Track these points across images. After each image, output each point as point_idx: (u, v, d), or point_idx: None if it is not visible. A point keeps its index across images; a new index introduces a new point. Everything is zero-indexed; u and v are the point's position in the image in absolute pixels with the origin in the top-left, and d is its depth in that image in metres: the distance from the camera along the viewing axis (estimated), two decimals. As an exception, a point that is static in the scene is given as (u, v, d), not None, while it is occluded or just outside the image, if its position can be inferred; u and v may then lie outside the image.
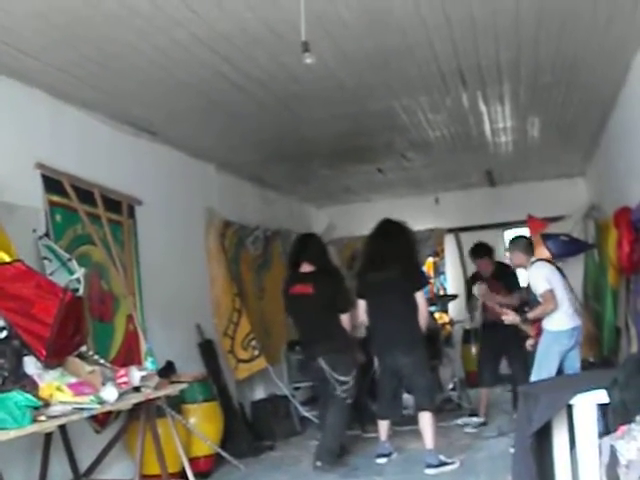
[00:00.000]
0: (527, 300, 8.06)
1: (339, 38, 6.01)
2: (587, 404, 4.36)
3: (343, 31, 5.88)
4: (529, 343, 7.82)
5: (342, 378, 7.69)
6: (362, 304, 7.89)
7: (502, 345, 9.15)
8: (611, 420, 4.07)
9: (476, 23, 5.97)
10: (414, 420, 7.85)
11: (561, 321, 7.24)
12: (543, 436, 4.87)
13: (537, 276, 7.34)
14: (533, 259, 7.52)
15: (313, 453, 7.93)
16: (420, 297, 7.69)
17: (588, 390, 4.39)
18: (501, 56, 6.78)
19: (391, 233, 7.85)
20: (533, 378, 7.18)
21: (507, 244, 8.75)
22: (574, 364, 7.31)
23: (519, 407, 5.27)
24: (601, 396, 4.28)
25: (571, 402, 4.44)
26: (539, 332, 7.49)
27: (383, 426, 7.92)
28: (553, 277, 7.33)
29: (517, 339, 8.88)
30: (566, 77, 7.50)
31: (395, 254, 7.69)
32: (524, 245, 7.68)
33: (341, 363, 7.72)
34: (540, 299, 7.32)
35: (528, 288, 7.75)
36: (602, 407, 4.42)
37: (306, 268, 7.93)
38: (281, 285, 8.44)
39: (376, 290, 7.72)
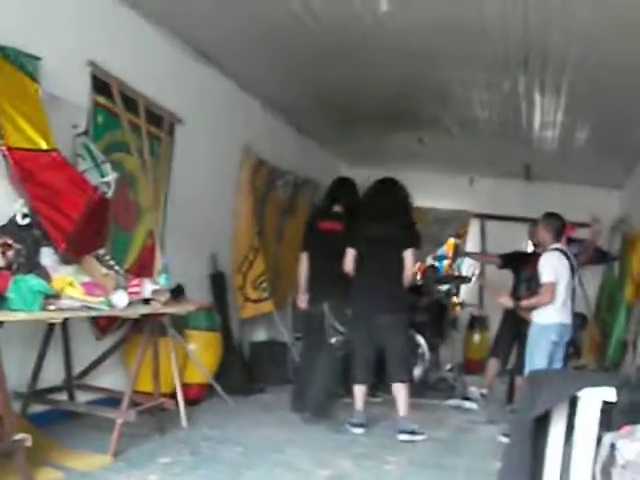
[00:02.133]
0: None
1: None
2: (593, 398, 4.32)
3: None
4: None
5: (340, 327, 7.65)
6: (351, 253, 7.56)
7: (523, 328, 8.91)
8: (616, 419, 4.03)
9: (552, 7, 5.88)
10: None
11: (549, 315, 7.16)
12: (538, 427, 4.83)
13: (547, 264, 7.21)
14: (553, 246, 7.39)
15: (290, 402, 8.04)
16: (409, 255, 7.44)
17: (597, 386, 4.34)
18: (570, 49, 6.72)
19: (391, 189, 7.66)
20: (527, 369, 7.13)
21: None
22: (558, 360, 7.26)
23: (524, 391, 5.23)
24: (609, 393, 4.23)
25: (578, 394, 4.40)
26: None
27: (359, 392, 7.55)
28: (561, 270, 7.20)
29: None
30: (629, 81, 7.40)
31: (393, 209, 7.52)
32: (556, 227, 7.48)
33: (342, 312, 7.65)
34: (540, 288, 7.26)
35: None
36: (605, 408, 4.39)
37: (337, 208, 7.95)
38: (300, 234, 8.40)
39: (369, 242, 7.47)
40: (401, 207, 7.64)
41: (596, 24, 6.05)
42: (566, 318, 7.27)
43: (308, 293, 8.09)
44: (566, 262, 7.26)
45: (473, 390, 9.26)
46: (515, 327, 8.86)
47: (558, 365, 7.21)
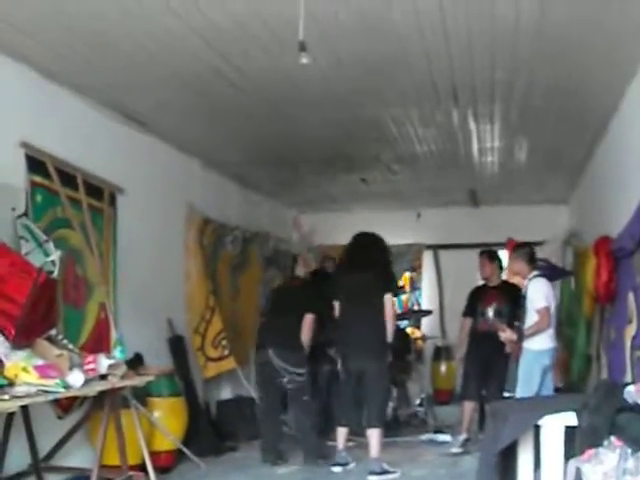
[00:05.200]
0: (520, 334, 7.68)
1: (335, 41, 5.98)
2: (555, 425, 4.34)
3: (340, 34, 5.85)
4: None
5: (296, 370, 7.95)
6: (336, 305, 7.98)
7: (488, 360, 8.75)
8: (578, 443, 4.05)
9: (473, 40, 5.96)
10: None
11: (543, 340, 7.28)
12: (508, 456, 4.84)
13: (538, 290, 7.37)
14: (535, 273, 7.49)
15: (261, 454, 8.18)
16: (388, 299, 7.75)
17: (557, 412, 4.37)
18: (496, 76, 6.79)
19: (367, 242, 8.06)
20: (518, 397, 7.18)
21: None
22: (549, 385, 7.32)
23: (487, 425, 5.25)
24: (570, 419, 4.26)
25: (539, 423, 4.42)
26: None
27: (342, 433, 7.88)
28: (550, 295, 7.40)
29: (503, 357, 8.60)
30: (559, 102, 7.52)
31: (370, 260, 7.85)
32: (528, 255, 7.63)
33: (292, 357, 7.99)
34: (536, 315, 7.32)
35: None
36: (569, 431, 4.40)
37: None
38: (256, 287, 8.50)
39: (348, 292, 7.85)
40: (377, 256, 8.00)
41: (520, 47, 6.12)
42: (555, 341, 7.46)
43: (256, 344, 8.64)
44: (550, 285, 7.49)
45: (459, 440, 8.83)
46: (480, 363, 8.87)
47: (548, 391, 7.30)
